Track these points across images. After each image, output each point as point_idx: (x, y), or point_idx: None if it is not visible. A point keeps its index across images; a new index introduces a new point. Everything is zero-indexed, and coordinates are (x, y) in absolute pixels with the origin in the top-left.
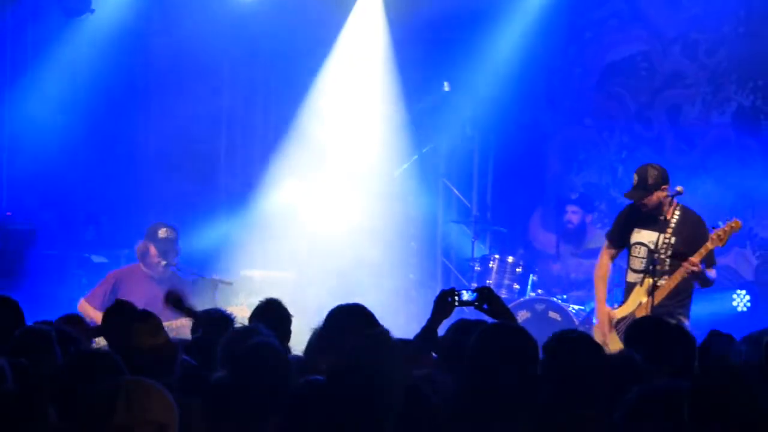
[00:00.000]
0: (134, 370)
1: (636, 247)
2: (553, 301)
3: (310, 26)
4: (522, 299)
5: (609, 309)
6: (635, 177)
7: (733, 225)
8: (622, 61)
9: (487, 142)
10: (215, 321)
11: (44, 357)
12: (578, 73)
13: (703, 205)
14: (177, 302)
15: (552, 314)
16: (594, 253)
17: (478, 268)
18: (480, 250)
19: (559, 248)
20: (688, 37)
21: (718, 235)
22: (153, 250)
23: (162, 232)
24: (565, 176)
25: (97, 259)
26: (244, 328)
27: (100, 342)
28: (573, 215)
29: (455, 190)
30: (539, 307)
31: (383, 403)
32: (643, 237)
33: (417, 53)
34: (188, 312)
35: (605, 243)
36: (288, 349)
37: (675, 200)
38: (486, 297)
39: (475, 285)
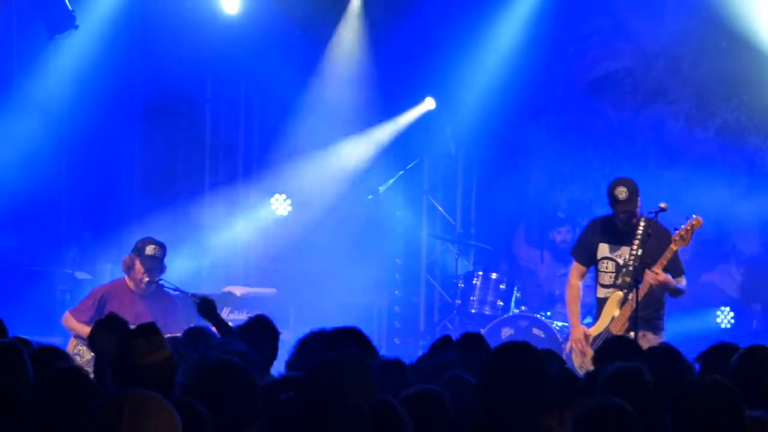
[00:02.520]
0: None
1: (603, 263)
2: (537, 318)
3: (294, 43)
4: (506, 316)
5: (584, 328)
6: (623, 189)
7: (694, 222)
8: (606, 76)
9: (470, 159)
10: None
11: (13, 372)
12: (562, 89)
13: (686, 221)
14: (209, 312)
15: (536, 331)
16: None
17: (462, 285)
18: (464, 266)
19: (543, 262)
20: (671, 52)
21: (681, 236)
22: (139, 265)
23: (150, 249)
24: (549, 192)
25: (80, 275)
26: (214, 345)
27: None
28: (567, 234)
29: (439, 207)
30: (523, 323)
31: (344, 425)
32: (610, 251)
33: (401, 69)
34: (220, 324)
35: (573, 263)
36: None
37: (639, 213)
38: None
39: (458, 302)
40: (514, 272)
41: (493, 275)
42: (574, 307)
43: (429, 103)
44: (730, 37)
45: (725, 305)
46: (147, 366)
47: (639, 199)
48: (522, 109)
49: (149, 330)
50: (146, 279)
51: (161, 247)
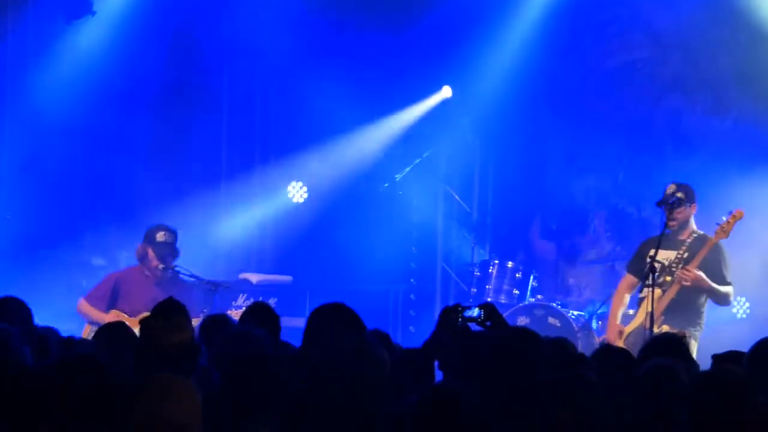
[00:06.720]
0: (155, 368)
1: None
2: (553, 307)
3: (312, 29)
4: (521, 304)
5: (619, 326)
6: (673, 186)
7: (736, 215)
8: (623, 66)
9: (488, 147)
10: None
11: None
12: (579, 79)
13: (703, 211)
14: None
15: (551, 320)
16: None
17: (478, 273)
18: (480, 255)
19: (558, 251)
20: (689, 43)
21: (723, 228)
22: (151, 253)
23: (160, 236)
24: (566, 182)
25: (96, 261)
26: (238, 332)
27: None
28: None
29: (456, 195)
30: (539, 312)
31: (365, 410)
32: (660, 256)
33: (419, 58)
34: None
35: (625, 274)
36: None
37: (695, 225)
38: (489, 314)
39: (474, 290)
40: (530, 261)
41: (509, 264)
42: (615, 310)
43: (446, 92)
44: (748, 29)
45: (741, 295)
46: (167, 347)
47: (693, 206)
48: (539, 98)
49: (170, 310)
50: (161, 266)
51: (171, 232)
